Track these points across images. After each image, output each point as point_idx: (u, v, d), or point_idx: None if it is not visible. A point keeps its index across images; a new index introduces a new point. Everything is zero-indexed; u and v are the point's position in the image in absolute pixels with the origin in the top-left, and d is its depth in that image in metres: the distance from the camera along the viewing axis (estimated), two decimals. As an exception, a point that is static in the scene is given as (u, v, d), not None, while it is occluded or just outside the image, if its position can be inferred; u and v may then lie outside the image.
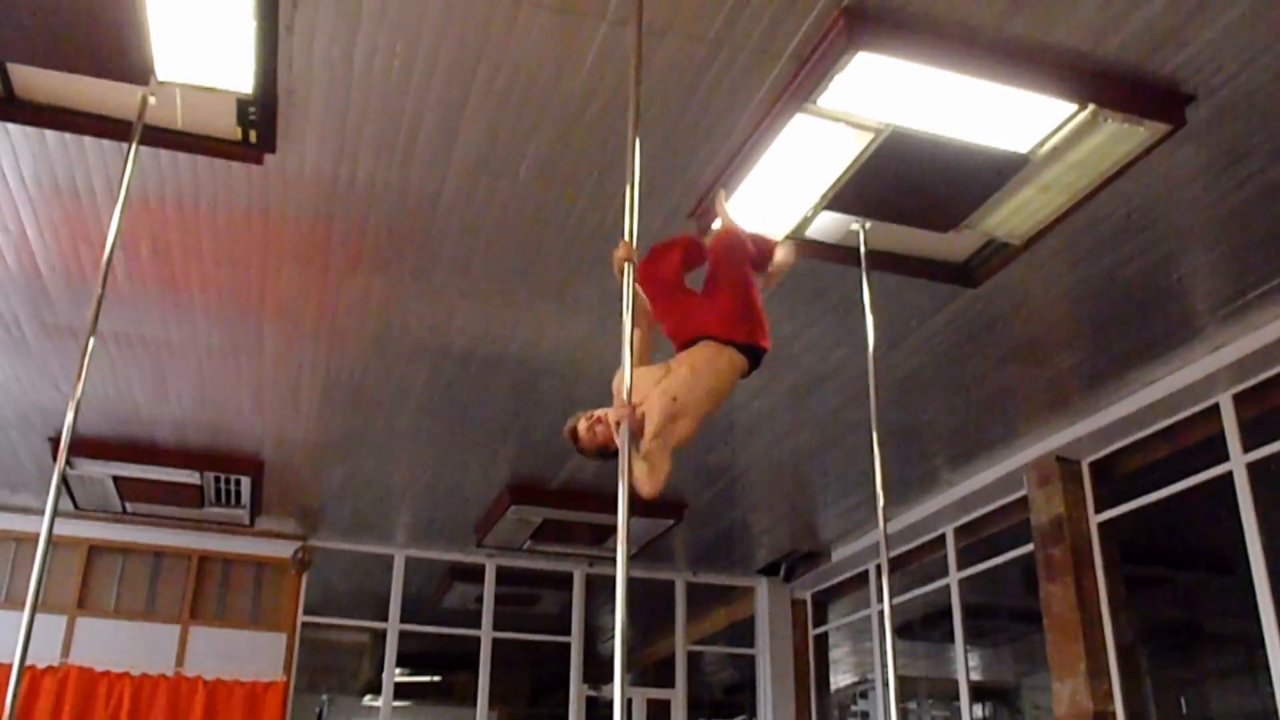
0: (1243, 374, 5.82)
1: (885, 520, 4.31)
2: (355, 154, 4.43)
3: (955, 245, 4.91)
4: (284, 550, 9.34)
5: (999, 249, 4.89)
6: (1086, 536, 6.87)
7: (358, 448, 7.54)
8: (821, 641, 10.39)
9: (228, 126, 4.22)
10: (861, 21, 3.56)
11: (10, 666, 3.30)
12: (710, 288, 3.60)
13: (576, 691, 9.88)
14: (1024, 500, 7.34)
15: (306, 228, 4.96)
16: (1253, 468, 5.85)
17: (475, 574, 9.91)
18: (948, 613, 8.37)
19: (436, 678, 11.85)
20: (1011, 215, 4.54)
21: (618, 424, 2.92)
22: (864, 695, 10.19)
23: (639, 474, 3.13)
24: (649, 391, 3.25)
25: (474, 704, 9.53)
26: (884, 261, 4.88)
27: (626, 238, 3.07)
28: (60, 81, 3.96)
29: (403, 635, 9.59)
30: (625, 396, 2.91)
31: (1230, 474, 5.95)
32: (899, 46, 3.60)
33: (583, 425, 3.38)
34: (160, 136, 4.20)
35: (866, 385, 4.62)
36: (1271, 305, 5.38)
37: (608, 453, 3.38)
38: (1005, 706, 9.21)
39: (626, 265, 2.99)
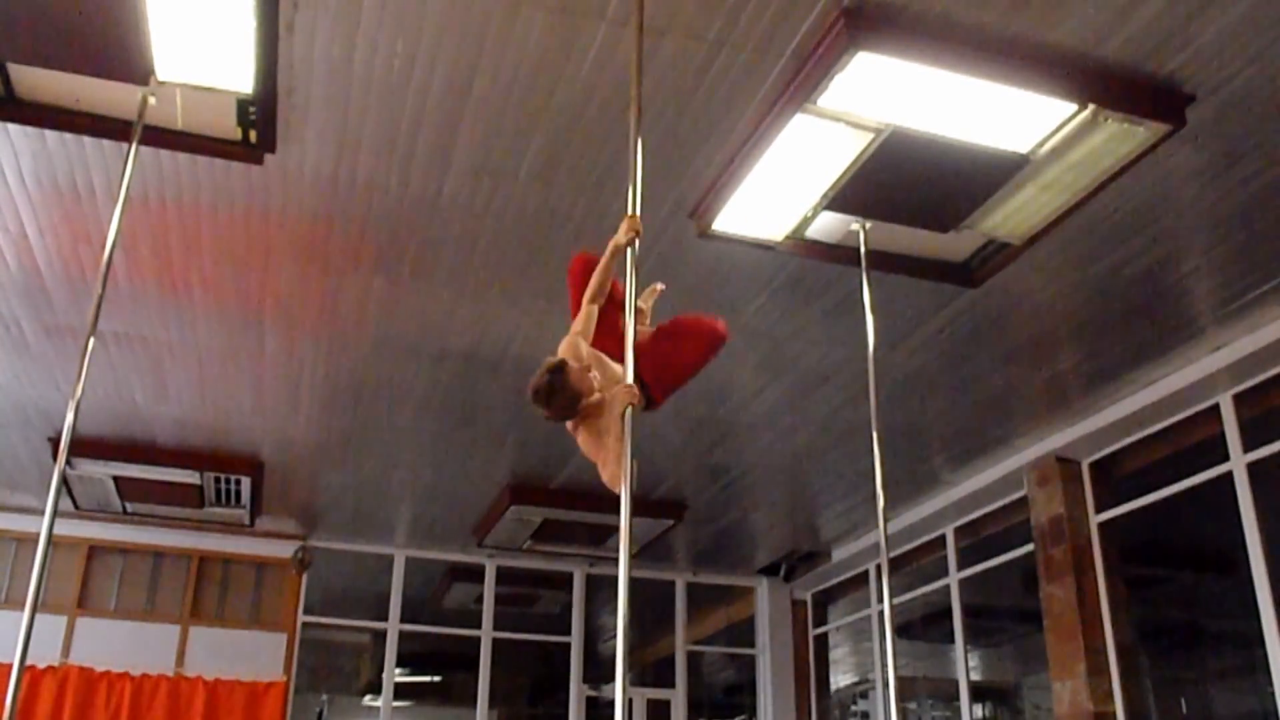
0: (1243, 374, 5.82)
1: (885, 520, 4.30)
2: (355, 154, 4.43)
3: (955, 245, 4.91)
4: (284, 550, 9.34)
5: (999, 249, 4.90)
6: (1086, 536, 6.88)
7: (358, 448, 7.54)
8: (821, 641, 10.40)
9: (228, 126, 4.22)
10: (861, 21, 3.56)
11: (10, 666, 3.30)
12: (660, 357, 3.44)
13: (576, 691, 9.88)
14: (1024, 500, 7.34)
15: (306, 228, 4.96)
16: (1253, 468, 5.85)
17: (475, 574, 9.91)
18: (948, 613, 8.37)
19: (436, 678, 11.84)
20: (1011, 215, 4.54)
21: (629, 405, 2.83)
22: (864, 695, 10.19)
23: (613, 472, 3.04)
24: (608, 385, 3.20)
25: (474, 704, 9.54)
26: (884, 261, 4.87)
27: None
28: (60, 81, 3.96)
29: (403, 635, 9.59)
30: (630, 379, 2.88)
31: (1230, 474, 5.95)
32: (899, 46, 3.60)
33: (575, 366, 3.18)
34: (160, 136, 4.20)
35: (866, 385, 4.61)
36: (1271, 305, 5.38)
37: (572, 407, 3.17)
38: (1005, 706, 9.20)
39: (635, 240, 2.99)
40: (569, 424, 3.31)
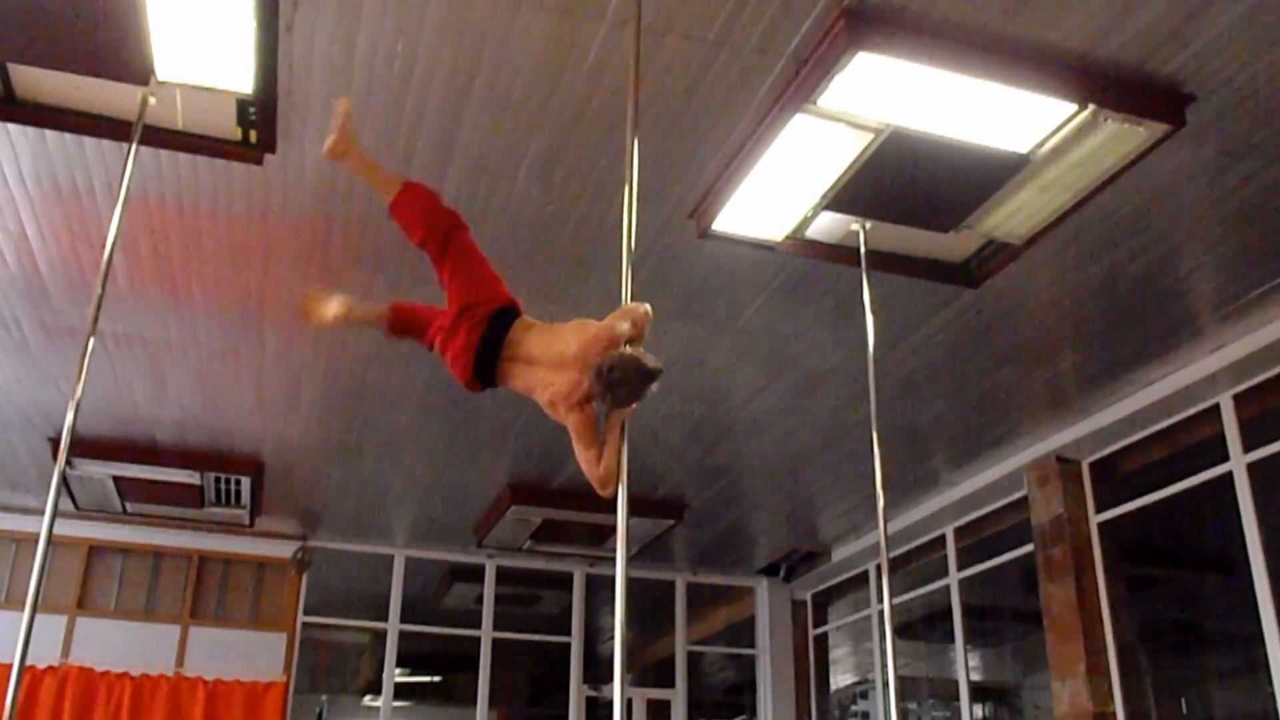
0: (1243, 374, 5.82)
1: (885, 520, 4.30)
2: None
3: (955, 245, 4.91)
4: (284, 550, 9.34)
5: (999, 249, 4.90)
6: (1086, 536, 6.88)
7: (358, 448, 7.54)
8: (821, 641, 10.40)
9: (228, 126, 4.22)
10: (861, 21, 3.56)
11: (10, 666, 3.30)
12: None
13: (576, 691, 9.88)
14: (1024, 500, 7.34)
15: (306, 228, 4.96)
16: (1253, 468, 5.85)
17: (475, 574, 9.91)
18: (948, 613, 8.37)
19: (436, 678, 11.84)
20: (1011, 215, 4.54)
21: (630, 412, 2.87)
22: (864, 695, 10.18)
23: (611, 469, 2.97)
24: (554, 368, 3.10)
25: (474, 704, 9.53)
26: (884, 261, 4.88)
27: (626, 237, 3.08)
28: (60, 81, 3.96)
29: (403, 635, 9.59)
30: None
31: (1230, 474, 5.95)
32: (899, 46, 3.60)
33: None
34: (160, 136, 4.20)
35: (866, 385, 4.62)
36: (1271, 305, 5.38)
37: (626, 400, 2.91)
38: (1005, 706, 9.19)
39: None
40: (566, 403, 3.06)
